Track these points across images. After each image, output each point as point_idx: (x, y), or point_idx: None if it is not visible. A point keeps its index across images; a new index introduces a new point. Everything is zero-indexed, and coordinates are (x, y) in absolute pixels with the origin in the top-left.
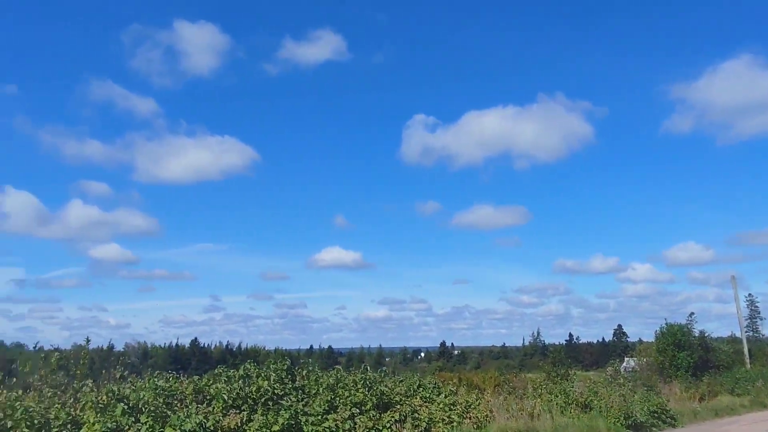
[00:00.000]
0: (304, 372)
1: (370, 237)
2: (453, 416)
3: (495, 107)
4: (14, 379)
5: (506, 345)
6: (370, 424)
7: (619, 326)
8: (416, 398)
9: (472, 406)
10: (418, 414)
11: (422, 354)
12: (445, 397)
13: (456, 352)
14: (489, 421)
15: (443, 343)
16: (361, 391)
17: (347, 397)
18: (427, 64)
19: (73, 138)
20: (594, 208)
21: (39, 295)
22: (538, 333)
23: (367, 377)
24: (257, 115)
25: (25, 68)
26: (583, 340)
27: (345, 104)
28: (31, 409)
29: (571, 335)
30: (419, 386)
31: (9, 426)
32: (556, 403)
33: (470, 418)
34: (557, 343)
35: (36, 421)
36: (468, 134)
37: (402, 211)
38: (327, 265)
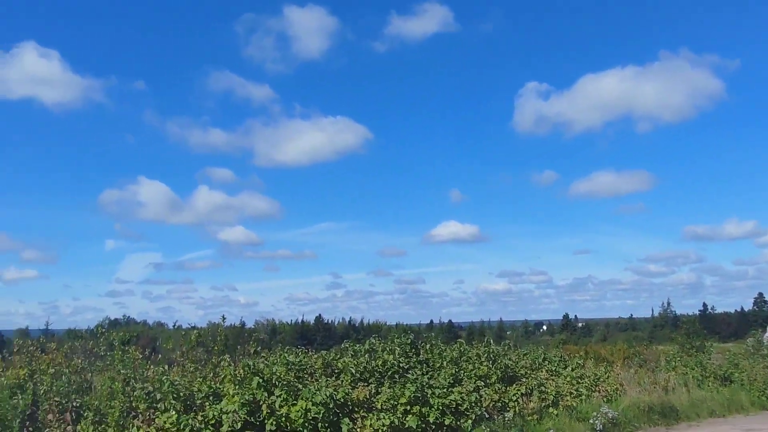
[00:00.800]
0: (428, 346)
1: (485, 210)
2: (581, 389)
3: (613, 69)
4: (159, 356)
5: (633, 316)
6: (496, 396)
7: (760, 294)
8: (542, 371)
9: (601, 379)
10: (545, 387)
11: (544, 327)
12: (572, 370)
13: (580, 324)
14: (619, 395)
15: (566, 316)
16: (485, 364)
17: (471, 370)
18: (538, 29)
19: (197, 128)
20: (726, 170)
21: (175, 276)
22: (669, 303)
23: (491, 350)
24: (368, 94)
25: (151, 64)
26: (719, 310)
27: (455, 77)
28: (176, 383)
29: (705, 305)
30: (544, 359)
31: (158, 398)
32: (692, 376)
33: (599, 392)
34: (690, 313)
35: (181, 394)
36: (584, 99)
37: (517, 182)
38: (443, 239)
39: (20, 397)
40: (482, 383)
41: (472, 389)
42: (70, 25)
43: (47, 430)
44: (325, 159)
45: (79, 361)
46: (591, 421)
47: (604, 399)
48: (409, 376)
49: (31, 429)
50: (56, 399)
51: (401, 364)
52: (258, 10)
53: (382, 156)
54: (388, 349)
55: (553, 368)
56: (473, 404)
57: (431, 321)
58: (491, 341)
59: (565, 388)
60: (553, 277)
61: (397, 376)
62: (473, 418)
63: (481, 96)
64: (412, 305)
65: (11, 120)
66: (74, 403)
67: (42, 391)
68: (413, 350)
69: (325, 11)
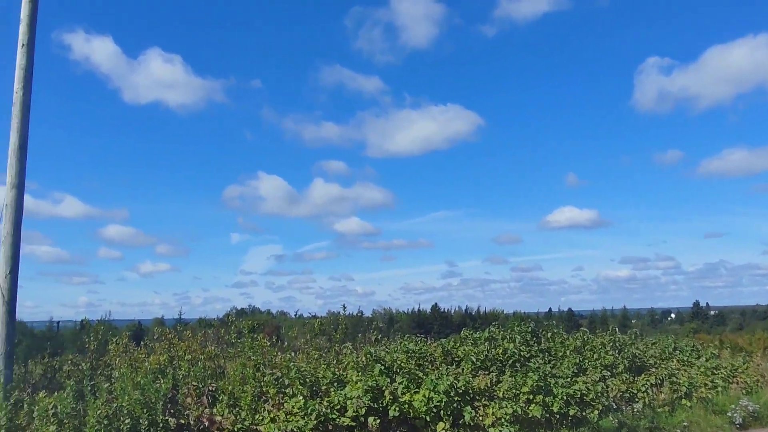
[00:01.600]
0: (549, 334)
1: (605, 193)
2: (716, 381)
3: (743, 38)
4: (285, 343)
5: None
6: (624, 387)
7: None
8: (672, 361)
9: (739, 370)
10: (677, 378)
11: (672, 315)
12: (706, 360)
13: (712, 312)
14: (760, 387)
15: (696, 303)
16: (610, 353)
17: (596, 359)
18: (658, 0)
19: (311, 122)
20: None
21: (295, 267)
22: None
23: (616, 339)
24: (478, 80)
25: (266, 63)
26: None
27: (568, 56)
28: (302, 369)
29: None
30: (675, 349)
31: (286, 383)
32: None
33: (737, 383)
34: None
35: (307, 380)
36: (712, 72)
37: (638, 163)
38: (561, 225)
39: (162, 382)
40: (608, 373)
41: (597, 379)
42: (191, 30)
43: (186, 412)
44: (437, 147)
45: (212, 348)
46: (729, 414)
47: (743, 391)
48: (530, 364)
49: (172, 411)
50: (194, 383)
51: (522, 353)
52: (365, 2)
53: (494, 142)
54: (508, 337)
55: (685, 358)
56: (599, 394)
57: (550, 309)
58: (616, 329)
59: (699, 379)
60: (681, 263)
61: (518, 364)
62: (600, 408)
63: (597, 75)
64: (530, 293)
65: (141, 123)
66: (210, 388)
67: (180, 376)
68: (534, 339)
69: None
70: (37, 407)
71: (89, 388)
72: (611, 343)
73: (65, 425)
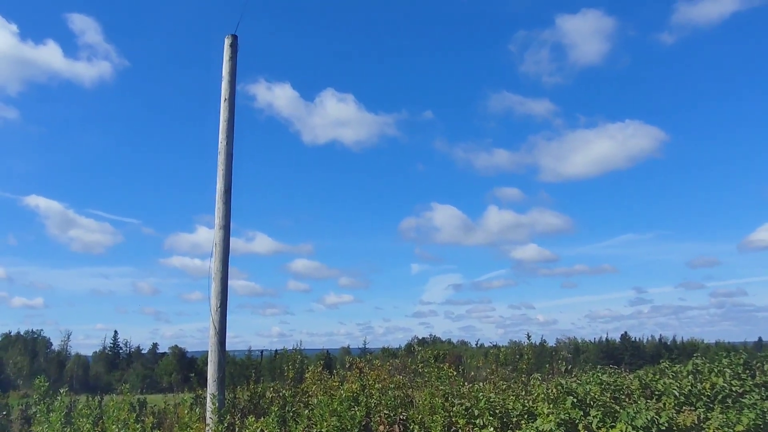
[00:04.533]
0: (765, 367)
1: None
2: None
3: None
4: (472, 373)
5: None
6: None
7: None
8: None
9: None
10: None
11: None
12: None
13: None
14: None
15: None
16: None
17: None
18: None
19: (482, 150)
20: None
21: (473, 296)
22: None
23: None
24: (658, 92)
25: (435, 95)
26: None
27: (759, 59)
28: (492, 400)
29: None
30: None
31: (476, 414)
32: None
33: None
34: None
35: (497, 411)
36: None
37: None
38: (766, 245)
39: (356, 409)
40: None
41: None
42: (360, 67)
43: None
44: (616, 167)
45: (400, 377)
46: None
47: None
48: (744, 400)
49: None
50: (385, 412)
51: (734, 388)
52: (530, 26)
53: (682, 157)
54: (716, 370)
55: None
56: None
57: (759, 338)
58: None
59: None
60: None
61: (729, 400)
62: None
63: None
64: (733, 320)
65: (321, 162)
66: (401, 416)
67: (372, 404)
68: (747, 372)
69: (600, 13)
70: (246, 430)
71: (291, 414)
72: None
73: None
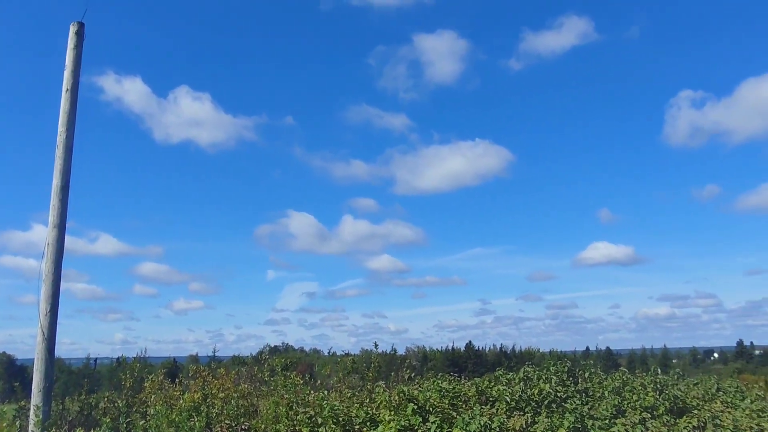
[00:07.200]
0: (586, 374)
1: (640, 229)
2: (763, 424)
3: None
4: (318, 381)
5: None
6: (664, 429)
7: None
8: (716, 403)
9: None
10: (720, 420)
11: (715, 355)
12: (751, 402)
13: (757, 352)
14: None
15: (740, 343)
16: (651, 394)
17: (636, 401)
18: (690, 32)
19: (340, 160)
20: None
21: (327, 305)
22: None
23: (658, 380)
24: (507, 115)
25: (296, 101)
26: None
27: (598, 90)
28: (335, 408)
29: None
30: (718, 390)
31: (319, 422)
32: None
33: None
34: None
35: (340, 419)
36: (747, 105)
37: (674, 198)
38: (596, 262)
39: (196, 420)
40: (648, 415)
41: (637, 421)
42: (219, 67)
43: None
44: (466, 184)
45: (246, 386)
46: None
47: None
48: (567, 405)
49: None
50: (227, 422)
51: (558, 393)
52: (388, 41)
53: (526, 177)
54: (544, 377)
55: (729, 400)
56: None
57: (587, 348)
58: (658, 370)
59: (744, 422)
60: (723, 300)
61: (554, 405)
62: None
63: (627, 109)
64: (566, 331)
65: (173, 162)
66: (243, 426)
67: (214, 414)
68: (571, 379)
69: (455, 35)
70: None
71: (125, 425)
72: (652, 384)
73: None
